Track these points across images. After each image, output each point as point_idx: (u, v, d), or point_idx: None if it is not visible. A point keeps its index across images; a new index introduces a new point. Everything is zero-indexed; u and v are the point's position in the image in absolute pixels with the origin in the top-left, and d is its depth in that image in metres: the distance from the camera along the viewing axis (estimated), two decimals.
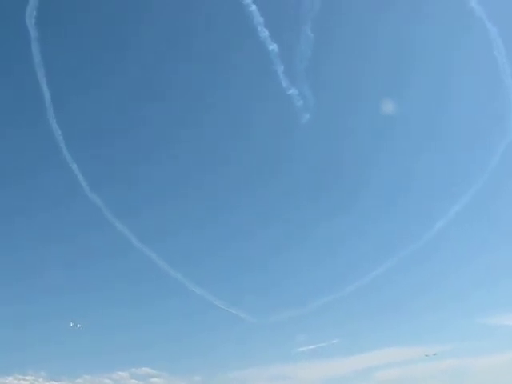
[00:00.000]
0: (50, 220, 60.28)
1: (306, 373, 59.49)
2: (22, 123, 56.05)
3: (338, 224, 62.64)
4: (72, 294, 60.37)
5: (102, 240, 59.91)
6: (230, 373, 59.66)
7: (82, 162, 50.27)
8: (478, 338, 59.10)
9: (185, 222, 63.20)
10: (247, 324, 56.82)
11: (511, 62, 50.52)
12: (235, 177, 60.52)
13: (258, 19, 47.81)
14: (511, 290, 59.50)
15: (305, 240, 62.37)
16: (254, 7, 47.51)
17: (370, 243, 62.47)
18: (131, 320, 59.50)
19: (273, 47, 48.63)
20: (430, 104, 58.08)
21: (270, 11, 48.56)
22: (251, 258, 63.51)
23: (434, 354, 56.41)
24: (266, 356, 60.73)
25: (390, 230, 62.92)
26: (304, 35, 48.86)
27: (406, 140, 59.00)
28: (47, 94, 47.75)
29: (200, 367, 59.72)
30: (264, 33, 48.17)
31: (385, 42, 54.82)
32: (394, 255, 58.21)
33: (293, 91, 50.47)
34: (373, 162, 59.83)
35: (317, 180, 60.05)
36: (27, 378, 55.86)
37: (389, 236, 62.39)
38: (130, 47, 55.03)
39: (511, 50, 50.53)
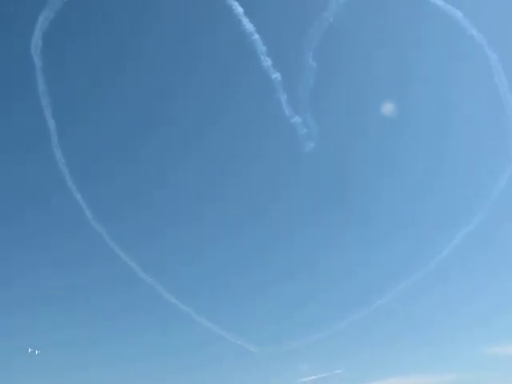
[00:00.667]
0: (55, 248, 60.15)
1: None
2: (26, 151, 56.32)
3: (341, 253, 62.45)
4: (68, 328, 59.64)
5: (104, 270, 59.62)
6: None
7: (86, 192, 50.38)
8: (484, 368, 58.33)
9: (187, 252, 62.93)
10: (249, 354, 56.22)
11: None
12: (238, 205, 60.49)
13: (261, 48, 48.56)
14: None
15: (308, 269, 62.05)
16: (257, 36, 48.33)
17: (373, 272, 62.12)
18: (130, 353, 58.92)
19: (276, 76, 49.23)
20: (432, 130, 58.49)
21: (273, 40, 49.38)
22: (253, 287, 63.04)
23: None
24: None
25: (394, 259, 62.60)
26: (307, 64, 49.44)
27: (410, 167, 59.16)
28: (52, 124, 48.11)
29: None
30: (267, 62, 48.81)
31: (386, 69, 55.34)
32: (397, 285, 57.87)
33: (296, 119, 50.93)
34: (377, 190, 59.92)
35: (320, 208, 60.03)
36: None
37: (392, 265, 62.03)
38: (133, 69, 55.55)
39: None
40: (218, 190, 59.76)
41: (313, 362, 60.73)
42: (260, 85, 51.96)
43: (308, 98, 50.63)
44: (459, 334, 60.69)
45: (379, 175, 58.80)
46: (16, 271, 60.32)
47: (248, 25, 48.14)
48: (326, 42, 50.39)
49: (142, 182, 60.21)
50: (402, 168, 59.00)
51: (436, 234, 60.22)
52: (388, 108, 56.29)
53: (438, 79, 57.32)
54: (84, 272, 59.46)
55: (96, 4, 51.15)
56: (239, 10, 48.11)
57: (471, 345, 60.71)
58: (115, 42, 53.82)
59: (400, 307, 58.79)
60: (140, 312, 60.43)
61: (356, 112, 56.15)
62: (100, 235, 51.08)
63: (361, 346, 60.44)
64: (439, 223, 60.72)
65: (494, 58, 50.49)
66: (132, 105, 55.73)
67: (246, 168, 59.66)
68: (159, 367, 59.96)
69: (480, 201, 54.71)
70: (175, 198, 61.25)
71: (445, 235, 57.28)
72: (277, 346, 58.75)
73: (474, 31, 49.99)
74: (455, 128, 59.44)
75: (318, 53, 49.76)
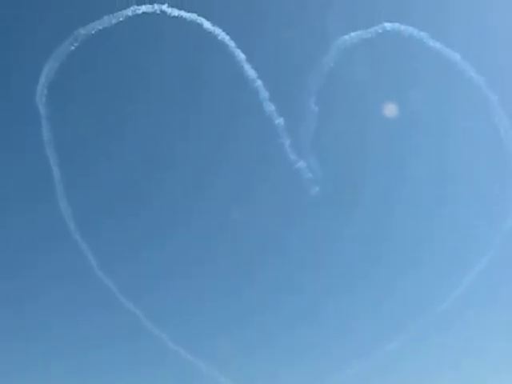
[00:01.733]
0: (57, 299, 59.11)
1: None
2: (31, 200, 55.98)
3: (344, 302, 61.70)
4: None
5: (103, 319, 58.65)
6: None
7: (91, 242, 49.91)
8: None
9: (190, 303, 62.03)
10: None
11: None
12: (242, 254, 59.98)
13: (264, 94, 49.01)
14: None
15: (310, 318, 61.16)
16: (259, 82, 48.84)
17: (375, 323, 61.37)
18: None
19: (279, 121, 49.54)
20: (433, 172, 58.60)
21: (275, 86, 49.89)
22: (254, 337, 61.89)
23: None
24: None
25: (392, 313, 61.81)
26: (309, 109, 49.84)
27: (415, 212, 59.08)
28: (57, 172, 47.98)
29: None
30: (270, 107, 49.19)
31: (385, 110, 55.78)
32: (399, 336, 57.12)
33: (301, 164, 50.98)
34: (384, 235, 59.66)
35: (326, 253, 59.60)
36: None
37: (392, 318, 61.25)
38: (137, 117, 55.86)
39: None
40: (222, 240, 59.31)
41: None
42: (263, 130, 52.33)
43: (311, 143, 50.92)
44: None
45: (386, 218, 58.68)
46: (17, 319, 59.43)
47: (250, 71, 48.75)
48: (326, 87, 51.11)
49: (144, 232, 59.82)
50: (408, 209, 58.90)
51: (441, 281, 59.78)
52: (390, 150, 56.66)
53: (436, 122, 57.93)
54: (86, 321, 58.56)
55: (100, 53, 51.78)
56: (241, 56, 48.80)
57: None
58: (119, 89, 54.29)
59: (402, 358, 57.59)
60: (143, 364, 59.18)
61: (359, 154, 56.45)
62: (104, 284, 50.41)
63: None
64: (444, 270, 60.30)
65: (493, 100, 51.18)
66: (137, 152, 55.83)
67: (251, 215, 59.35)
68: None
69: (485, 244, 54.53)
70: (178, 249, 60.74)
71: (449, 283, 56.81)
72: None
73: (473, 73, 50.78)
74: (455, 171, 59.70)
75: (319, 97, 50.33)
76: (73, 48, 45.31)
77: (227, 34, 48.60)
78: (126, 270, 58.08)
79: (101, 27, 45.52)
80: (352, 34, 50.39)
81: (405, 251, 60.89)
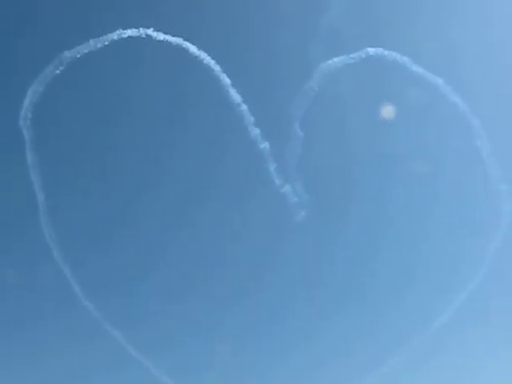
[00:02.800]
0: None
1: None
2: (15, 226, 55.24)
3: (335, 325, 61.25)
4: None
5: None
6: None
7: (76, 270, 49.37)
8: None
9: (181, 332, 61.22)
10: None
11: (494, 152, 52.34)
12: (231, 279, 59.44)
13: (249, 119, 49.21)
14: None
15: (301, 343, 60.55)
16: (244, 107, 49.06)
17: (369, 343, 60.84)
18: None
19: (264, 145, 49.68)
20: (419, 193, 58.92)
21: (260, 111, 50.14)
22: (247, 365, 61.05)
23: None
24: None
25: (387, 332, 61.44)
26: (294, 133, 50.11)
27: (404, 232, 59.19)
28: (41, 197, 47.52)
29: None
30: (255, 131, 49.37)
31: (370, 135, 56.32)
32: (392, 356, 56.68)
33: (286, 189, 50.98)
34: (373, 256, 59.58)
35: (316, 278, 59.28)
36: None
37: (384, 341, 60.82)
38: (120, 140, 55.72)
39: (494, 142, 52.56)
40: (209, 266, 58.79)
41: None
42: (249, 154, 52.40)
43: (297, 167, 51.03)
44: None
45: (374, 239, 58.63)
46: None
47: (235, 95, 49.01)
48: (311, 111, 51.48)
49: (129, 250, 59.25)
50: (397, 231, 58.93)
51: (432, 302, 59.62)
52: (375, 174, 56.94)
53: (420, 145, 58.49)
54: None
55: (85, 77, 51.82)
56: (227, 80, 49.09)
57: None
58: (104, 112, 54.22)
59: (396, 378, 57.13)
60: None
61: (345, 178, 56.64)
62: (89, 312, 49.61)
63: None
64: (434, 291, 60.16)
65: (476, 124, 51.89)
66: (122, 176, 55.55)
67: (236, 240, 58.97)
68: None
69: (475, 262, 54.59)
70: (165, 271, 60.10)
71: (441, 303, 56.68)
72: None
73: (456, 97, 51.52)
74: (440, 193, 60.09)
75: (304, 121, 50.66)
76: (58, 71, 45.35)
77: (212, 58, 48.98)
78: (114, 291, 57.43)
79: (86, 51, 45.66)
80: (335, 59, 51.08)
81: (395, 270, 60.77)
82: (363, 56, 51.22)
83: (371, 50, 51.20)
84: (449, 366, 61.55)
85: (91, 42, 45.66)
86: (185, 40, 48.09)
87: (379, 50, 51.50)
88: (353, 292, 60.00)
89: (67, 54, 45.12)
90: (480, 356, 61.43)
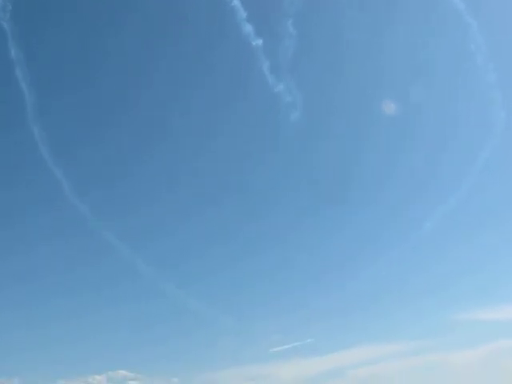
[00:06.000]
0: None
1: (281, 372, 59.19)
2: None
3: (322, 218, 62.66)
4: (44, 300, 58.72)
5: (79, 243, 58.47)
6: (207, 374, 58.84)
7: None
8: (450, 334, 59.57)
9: (162, 222, 61.91)
10: (222, 325, 56.16)
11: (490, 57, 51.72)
12: (223, 179, 59.59)
13: (242, 14, 47.27)
14: (482, 285, 60.36)
15: (280, 238, 62.04)
16: (236, 1, 47.01)
17: (349, 240, 62.60)
18: (106, 323, 58.22)
19: (257, 42, 48.09)
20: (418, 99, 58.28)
21: (253, 6, 48.11)
22: (224, 259, 62.56)
23: None
24: (241, 357, 60.09)
25: (373, 222, 62.84)
26: (287, 30, 48.52)
27: (399, 136, 59.62)
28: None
29: (177, 369, 58.60)
30: (247, 28, 47.62)
31: (366, 32, 54.89)
32: (366, 250, 58.75)
33: (280, 88, 50.03)
34: (366, 154, 60.06)
35: (309, 174, 59.74)
36: None
37: (370, 233, 62.32)
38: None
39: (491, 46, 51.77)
40: (201, 167, 58.64)
41: (284, 332, 60.98)
42: (241, 52, 50.87)
43: (290, 66, 49.79)
44: (424, 301, 61.70)
45: (364, 135, 58.74)
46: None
47: None
48: (305, 8, 49.60)
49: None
50: (389, 136, 59.10)
51: (416, 203, 60.98)
52: (371, 73, 56.07)
53: (417, 45, 57.40)
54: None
55: None
56: None
57: (436, 311, 61.85)
58: None
59: (366, 275, 59.26)
60: (115, 284, 59.54)
61: (338, 78, 55.84)
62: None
63: (330, 315, 60.93)
64: (421, 190, 61.34)
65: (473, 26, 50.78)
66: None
67: (229, 139, 58.49)
68: (134, 335, 59.38)
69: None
70: (158, 166, 60.00)
71: (425, 208, 58.07)
72: (249, 317, 58.80)
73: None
74: (432, 97, 59.80)
75: (297, 19, 48.92)
76: None
77: None
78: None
79: None
80: None
81: (387, 170, 61.59)
82: None
83: None
84: (417, 257, 63.97)
85: None
86: None
87: None
88: (348, 186, 60.68)
89: None
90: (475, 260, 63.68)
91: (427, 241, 60.91)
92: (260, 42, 48.37)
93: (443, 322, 60.31)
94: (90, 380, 54.86)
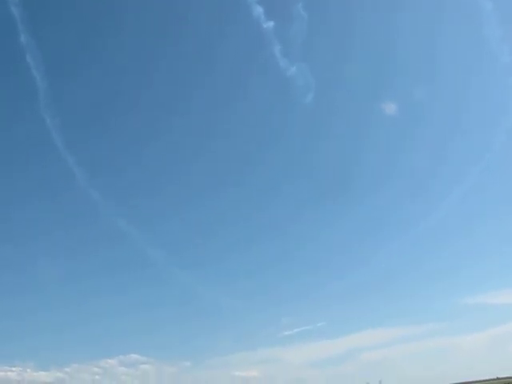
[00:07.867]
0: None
1: (292, 356, 60.43)
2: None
3: (325, 207, 63.12)
4: (57, 285, 59.91)
5: (91, 229, 59.27)
6: (218, 358, 60.61)
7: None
8: (459, 318, 60.42)
9: (170, 209, 62.69)
10: (233, 310, 57.08)
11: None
12: (236, 160, 60.23)
13: None
14: (489, 270, 61.30)
15: (292, 225, 62.55)
16: None
17: (361, 226, 63.08)
18: (118, 308, 59.39)
19: (268, 25, 47.86)
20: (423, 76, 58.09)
21: None
22: (236, 245, 63.46)
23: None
24: (253, 340, 61.58)
25: (375, 214, 63.09)
26: (298, 13, 48.33)
27: (402, 132, 59.64)
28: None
29: (188, 352, 60.21)
30: (258, 9, 47.43)
31: (377, 15, 54.99)
32: (378, 238, 58.67)
33: (292, 71, 49.87)
34: (375, 138, 60.24)
35: (319, 157, 60.24)
36: (14, 369, 55.35)
37: (382, 221, 62.53)
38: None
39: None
40: (212, 145, 58.82)
41: (295, 316, 61.78)
42: (252, 35, 50.52)
43: (302, 49, 49.38)
44: (434, 286, 62.46)
45: (379, 119, 58.45)
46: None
47: None
48: None
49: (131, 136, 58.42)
50: (404, 106, 58.68)
51: (430, 185, 60.82)
52: (380, 51, 55.63)
53: (427, 29, 56.76)
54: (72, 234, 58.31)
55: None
56: None
57: (444, 295, 62.64)
58: None
59: (377, 262, 60.00)
60: (127, 270, 60.03)
61: (350, 59, 55.38)
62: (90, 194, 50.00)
63: (341, 299, 61.70)
64: (432, 173, 61.05)
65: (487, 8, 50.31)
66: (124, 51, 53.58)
67: (242, 123, 58.41)
68: (146, 320, 60.21)
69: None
70: (166, 152, 60.00)
71: (436, 192, 58.03)
72: (260, 301, 59.30)
73: None
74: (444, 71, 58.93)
75: (308, 1, 48.43)
76: None
77: None
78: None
79: None
80: None
81: (393, 157, 61.42)
82: None
83: None
84: (425, 244, 64.00)
85: None
86: None
87: None
88: (356, 171, 60.79)
89: None
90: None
91: (437, 228, 61.37)
92: (271, 24, 48.29)
93: (452, 307, 61.29)
94: (102, 364, 55.97)
